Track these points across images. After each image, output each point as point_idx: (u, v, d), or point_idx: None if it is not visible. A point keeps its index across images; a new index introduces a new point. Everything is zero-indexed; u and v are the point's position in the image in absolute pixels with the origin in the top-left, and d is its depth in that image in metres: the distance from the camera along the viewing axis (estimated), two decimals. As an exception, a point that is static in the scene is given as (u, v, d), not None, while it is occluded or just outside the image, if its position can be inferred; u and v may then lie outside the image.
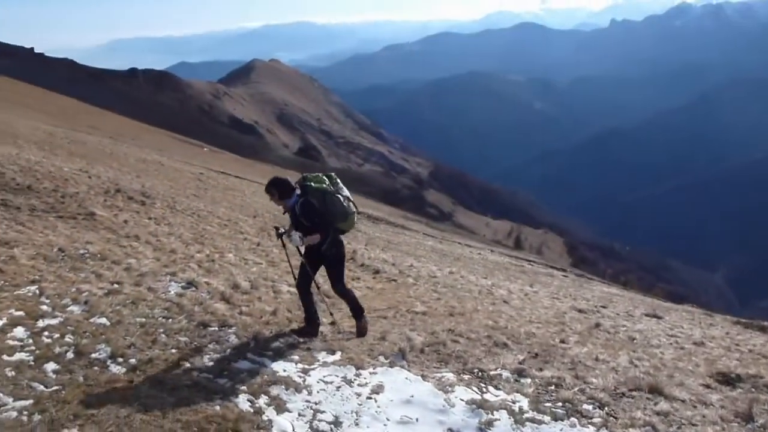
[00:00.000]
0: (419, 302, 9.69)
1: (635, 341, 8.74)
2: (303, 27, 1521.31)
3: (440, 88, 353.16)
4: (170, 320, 6.56)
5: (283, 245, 7.11)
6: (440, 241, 32.57)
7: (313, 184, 6.61)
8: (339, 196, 6.62)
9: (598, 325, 9.65)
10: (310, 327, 6.86)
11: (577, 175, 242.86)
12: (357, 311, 7.07)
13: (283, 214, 6.81)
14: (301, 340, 6.54)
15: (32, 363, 5.04)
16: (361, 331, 7.01)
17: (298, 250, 6.80)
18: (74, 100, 79.08)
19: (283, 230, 6.92)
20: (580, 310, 11.65)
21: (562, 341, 7.62)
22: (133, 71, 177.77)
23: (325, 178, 6.72)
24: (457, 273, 16.27)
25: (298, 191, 6.61)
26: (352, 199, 6.78)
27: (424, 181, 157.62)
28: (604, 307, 13.40)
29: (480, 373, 5.95)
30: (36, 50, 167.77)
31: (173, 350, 5.74)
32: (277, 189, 6.60)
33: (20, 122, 28.65)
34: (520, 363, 6.26)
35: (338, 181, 6.80)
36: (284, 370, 5.60)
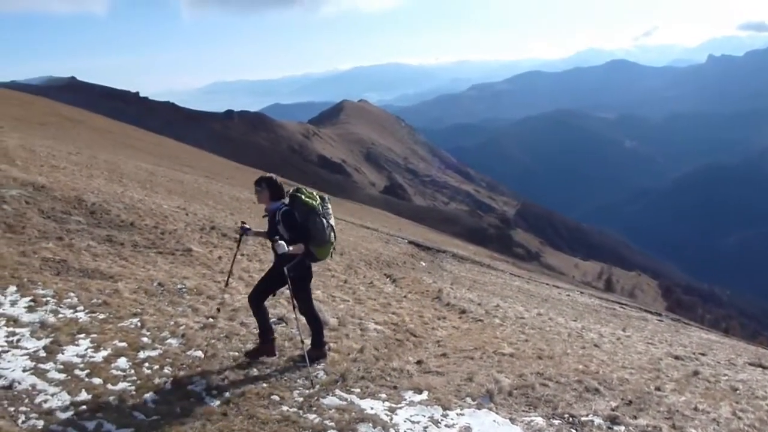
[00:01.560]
0: (506, 344, 9.51)
1: (738, 392, 8.24)
2: (392, 68, 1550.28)
3: (527, 126, 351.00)
4: (262, 355, 6.73)
5: (238, 246, 6.97)
6: (527, 281, 31.90)
7: (303, 197, 6.34)
8: (324, 219, 6.33)
9: (696, 373, 9.17)
10: (264, 346, 6.64)
11: (672, 216, 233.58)
12: (318, 339, 6.77)
13: (263, 217, 6.52)
14: (267, 360, 6.49)
15: (134, 392, 5.31)
16: (311, 357, 6.48)
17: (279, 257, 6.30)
18: (172, 140, 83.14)
19: (248, 227, 6.59)
20: (676, 357, 11.12)
21: (658, 389, 7.28)
22: (229, 113, 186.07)
23: (318, 197, 6.47)
24: (545, 315, 15.90)
25: (286, 200, 6.37)
26: (334, 230, 6.48)
27: (511, 221, 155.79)
28: (703, 354, 12.73)
29: (571, 419, 5.79)
30: (141, 94, 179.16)
31: (264, 384, 5.88)
32: (270, 187, 6.33)
33: (125, 162, 30.36)
34: (612, 410, 6.06)
35: (329, 206, 6.52)
36: (371, 408, 5.63)
